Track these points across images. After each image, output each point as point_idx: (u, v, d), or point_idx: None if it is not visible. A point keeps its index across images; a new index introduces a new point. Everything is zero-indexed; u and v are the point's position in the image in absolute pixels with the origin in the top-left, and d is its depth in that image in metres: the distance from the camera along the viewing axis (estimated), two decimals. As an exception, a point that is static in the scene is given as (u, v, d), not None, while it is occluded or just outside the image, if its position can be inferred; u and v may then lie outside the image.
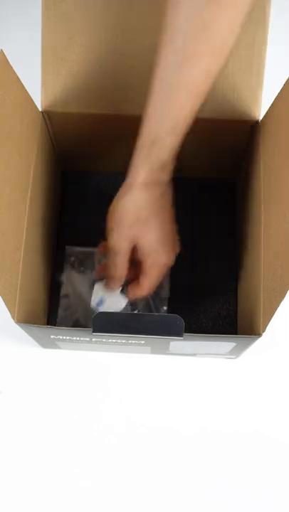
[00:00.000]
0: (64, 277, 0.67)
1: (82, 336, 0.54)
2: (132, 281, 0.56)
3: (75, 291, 0.67)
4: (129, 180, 0.52)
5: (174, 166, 0.52)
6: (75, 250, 0.69)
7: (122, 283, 0.57)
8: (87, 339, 0.54)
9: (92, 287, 0.67)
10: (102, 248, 0.60)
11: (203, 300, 0.66)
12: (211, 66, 0.47)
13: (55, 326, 0.64)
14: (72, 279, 0.67)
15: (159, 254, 0.54)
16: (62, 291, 0.67)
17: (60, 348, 0.62)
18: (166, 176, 0.53)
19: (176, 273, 0.67)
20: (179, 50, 0.46)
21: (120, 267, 0.55)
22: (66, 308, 0.66)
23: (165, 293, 0.66)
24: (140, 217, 0.52)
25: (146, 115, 0.50)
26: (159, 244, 0.54)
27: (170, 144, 0.50)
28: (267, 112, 0.57)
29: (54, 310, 0.66)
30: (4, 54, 0.49)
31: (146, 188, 0.52)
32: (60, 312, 0.66)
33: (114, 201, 0.53)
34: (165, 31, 0.46)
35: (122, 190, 0.53)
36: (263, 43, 0.55)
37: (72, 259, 0.68)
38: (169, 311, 0.66)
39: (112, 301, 0.59)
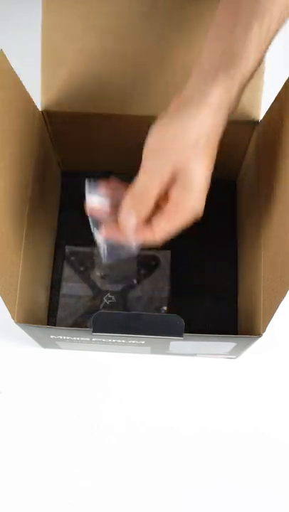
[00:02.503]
0: (64, 277, 0.67)
1: (82, 336, 0.54)
2: (142, 223, 0.48)
3: (75, 291, 0.67)
4: (193, 98, 0.44)
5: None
6: (75, 250, 0.69)
7: (144, 217, 0.47)
8: (87, 339, 0.54)
9: (92, 287, 0.67)
10: (109, 189, 0.50)
11: (203, 300, 0.66)
12: None
13: (55, 326, 0.64)
14: (72, 279, 0.67)
15: (197, 196, 0.45)
16: (62, 291, 0.67)
17: (60, 348, 0.62)
18: (235, 105, 0.45)
19: (176, 273, 0.68)
20: None
21: (150, 194, 0.45)
22: (66, 308, 0.66)
23: (165, 293, 0.66)
24: (199, 144, 0.44)
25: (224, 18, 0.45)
26: (202, 184, 0.45)
27: (256, 56, 0.44)
28: (267, 112, 0.57)
29: (54, 310, 0.66)
30: (4, 54, 0.49)
31: (218, 111, 0.44)
32: (60, 312, 0.66)
33: (165, 121, 0.45)
34: None
35: (179, 109, 0.44)
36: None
37: (73, 259, 0.68)
38: (169, 311, 0.66)
39: (120, 248, 0.51)
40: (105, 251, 0.52)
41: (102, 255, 0.52)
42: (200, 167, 0.45)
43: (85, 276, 0.67)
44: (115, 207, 0.49)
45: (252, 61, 0.44)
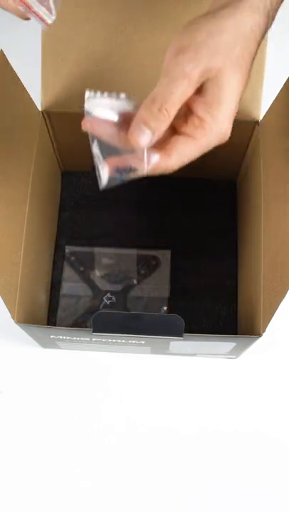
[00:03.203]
0: (64, 277, 0.67)
1: (82, 336, 0.54)
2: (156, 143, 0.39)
3: (75, 291, 0.67)
4: (227, 2, 0.38)
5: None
6: (75, 250, 0.69)
7: (161, 135, 0.38)
8: (87, 339, 0.54)
9: (92, 287, 0.67)
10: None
11: (203, 300, 0.66)
12: None
13: (55, 326, 0.64)
14: (72, 279, 0.67)
15: (228, 115, 0.38)
16: (62, 291, 0.67)
17: (60, 348, 0.62)
18: (273, 16, 0.39)
19: (176, 273, 0.68)
20: None
21: (172, 102, 0.36)
22: (66, 308, 0.66)
23: (165, 293, 0.66)
24: (234, 51, 0.37)
25: None
26: (234, 100, 0.38)
27: None
28: (267, 112, 0.57)
29: (54, 310, 0.66)
30: (4, 54, 0.49)
31: (256, 14, 0.38)
32: (60, 312, 0.66)
33: (197, 21, 0.38)
34: None
35: (213, 12, 0.38)
36: (263, 42, 0.55)
37: (73, 259, 0.68)
38: (168, 311, 0.66)
39: (125, 170, 0.41)
40: (105, 173, 0.41)
41: (100, 179, 0.42)
42: (234, 80, 0.37)
43: (85, 276, 0.67)
44: (124, 122, 0.40)
45: None
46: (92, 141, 0.41)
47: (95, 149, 0.41)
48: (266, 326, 0.49)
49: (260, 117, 0.58)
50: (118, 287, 0.67)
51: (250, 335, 0.51)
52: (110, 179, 0.41)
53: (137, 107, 0.39)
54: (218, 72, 0.37)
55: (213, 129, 0.38)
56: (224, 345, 0.55)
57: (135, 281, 0.67)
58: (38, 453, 0.60)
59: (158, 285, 0.67)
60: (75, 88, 0.58)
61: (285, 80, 0.51)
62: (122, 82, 0.58)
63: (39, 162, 0.60)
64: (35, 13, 0.40)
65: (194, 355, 0.62)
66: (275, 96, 0.54)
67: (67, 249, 0.69)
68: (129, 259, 0.68)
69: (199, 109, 0.38)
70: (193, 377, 0.63)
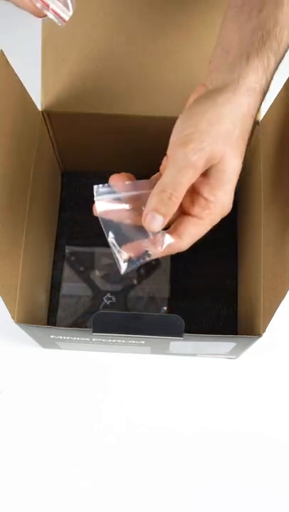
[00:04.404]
0: (64, 277, 0.67)
1: (82, 336, 0.54)
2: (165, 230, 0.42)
3: (75, 291, 0.67)
4: (226, 84, 0.40)
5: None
6: (75, 250, 0.69)
7: (171, 217, 0.40)
8: (87, 339, 0.54)
9: (92, 287, 0.67)
10: (123, 187, 0.43)
11: (203, 300, 0.66)
12: None
13: (55, 326, 0.64)
14: (72, 279, 0.67)
15: (230, 193, 0.41)
16: (62, 291, 0.67)
17: (60, 348, 0.62)
18: (267, 90, 0.42)
19: (176, 273, 0.68)
20: None
21: (181, 191, 0.39)
22: (66, 308, 0.66)
23: (165, 293, 0.66)
24: (233, 134, 0.40)
25: None
26: (235, 179, 0.41)
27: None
28: (267, 112, 0.57)
29: (54, 310, 0.66)
30: (4, 54, 0.49)
31: (254, 96, 0.41)
32: (60, 312, 0.66)
33: (197, 107, 0.40)
34: None
35: (211, 95, 0.41)
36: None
37: (73, 259, 0.68)
38: (168, 311, 0.66)
39: (141, 255, 0.44)
40: (122, 260, 0.44)
41: (120, 265, 0.44)
42: (234, 161, 0.41)
43: (85, 276, 0.67)
44: (135, 208, 0.43)
45: (286, 38, 0.41)
46: (107, 232, 0.43)
47: (111, 239, 0.43)
48: (266, 326, 0.49)
49: (260, 117, 0.58)
50: (118, 287, 0.67)
51: (250, 335, 0.51)
52: (129, 264, 0.44)
53: (144, 188, 0.42)
54: (220, 159, 0.40)
55: (218, 207, 0.42)
56: (224, 345, 0.55)
57: (135, 281, 0.67)
58: (38, 453, 0.60)
59: (158, 285, 0.67)
60: (75, 88, 0.58)
61: (285, 80, 0.51)
62: (122, 82, 0.58)
63: (39, 162, 0.60)
64: (52, 9, 0.40)
65: (194, 355, 0.62)
66: (275, 96, 0.54)
67: (67, 249, 0.69)
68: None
69: (205, 191, 0.41)
70: (193, 377, 0.63)
